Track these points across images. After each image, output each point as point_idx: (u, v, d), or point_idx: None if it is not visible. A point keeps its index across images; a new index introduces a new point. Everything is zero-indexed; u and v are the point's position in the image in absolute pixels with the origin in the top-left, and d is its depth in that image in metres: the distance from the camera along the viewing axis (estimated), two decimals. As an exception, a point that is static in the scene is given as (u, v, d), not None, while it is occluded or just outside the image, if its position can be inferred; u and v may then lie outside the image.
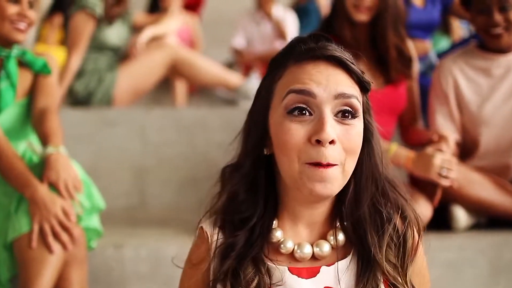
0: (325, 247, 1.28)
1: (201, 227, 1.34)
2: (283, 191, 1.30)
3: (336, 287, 1.26)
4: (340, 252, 1.29)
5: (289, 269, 1.27)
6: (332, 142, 1.19)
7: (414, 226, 1.31)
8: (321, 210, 1.30)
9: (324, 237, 1.30)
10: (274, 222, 1.30)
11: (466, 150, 2.73)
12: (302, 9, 5.74)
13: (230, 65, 5.21)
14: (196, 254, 1.34)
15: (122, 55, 3.77)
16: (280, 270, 1.26)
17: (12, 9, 2.31)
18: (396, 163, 2.51)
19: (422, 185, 2.54)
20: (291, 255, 1.29)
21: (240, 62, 5.08)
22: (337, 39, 2.61)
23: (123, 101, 3.65)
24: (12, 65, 2.37)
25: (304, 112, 1.22)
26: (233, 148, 2.34)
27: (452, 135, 2.59)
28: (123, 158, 3.31)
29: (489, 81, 2.68)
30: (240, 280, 1.24)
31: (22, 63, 2.41)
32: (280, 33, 4.99)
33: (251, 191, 1.31)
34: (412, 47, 2.78)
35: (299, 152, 1.21)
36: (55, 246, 2.07)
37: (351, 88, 1.24)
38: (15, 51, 2.38)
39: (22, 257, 2.08)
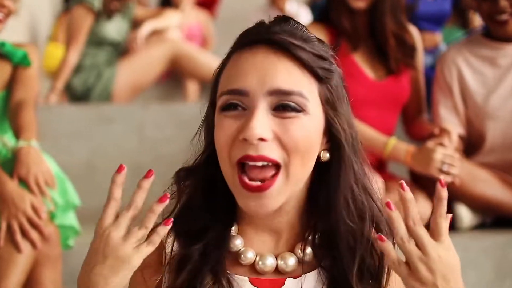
0: (290, 261, 1.13)
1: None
2: None
3: None
4: (307, 265, 1.13)
5: (249, 280, 1.13)
6: (263, 139, 1.04)
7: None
8: (284, 219, 1.14)
9: (291, 249, 1.15)
10: (234, 229, 1.16)
11: (471, 145, 2.58)
12: (319, 6, 5.62)
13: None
14: (147, 259, 1.21)
15: (122, 50, 3.68)
16: (241, 281, 1.12)
17: (-12, -1, 2.22)
18: (395, 158, 2.39)
19: (423, 182, 2.39)
20: (252, 266, 1.14)
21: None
22: (335, 29, 2.52)
23: (122, 97, 3.56)
24: (-11, 57, 2.28)
25: (237, 107, 1.07)
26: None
27: (455, 129, 2.43)
28: (120, 154, 3.21)
29: (495, 72, 2.52)
30: None
31: (1, 55, 2.32)
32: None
33: (208, 196, 1.17)
34: (418, 36, 2.63)
35: (230, 151, 1.07)
36: (24, 244, 1.98)
37: (293, 82, 1.07)
38: (-8, 42, 2.29)
39: (-11, 255, 1.98)
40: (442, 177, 2.18)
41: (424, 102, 2.69)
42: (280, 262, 1.12)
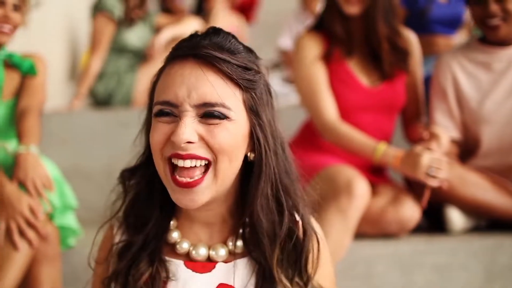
0: (221, 252, 1.27)
1: (111, 225, 1.36)
2: None
3: (230, 283, 1.25)
4: (238, 255, 1.28)
5: (184, 263, 1.27)
6: (190, 142, 1.17)
7: (314, 238, 1.29)
8: (216, 212, 1.28)
9: (223, 240, 1.29)
10: (172, 223, 1.30)
11: (468, 149, 2.61)
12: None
13: (276, 65, 5.19)
14: (102, 252, 1.36)
15: (143, 57, 3.79)
16: (175, 264, 1.26)
17: (-5, 13, 2.36)
18: (385, 163, 2.42)
19: (413, 186, 2.43)
20: (188, 255, 1.28)
21: (286, 62, 5.04)
22: (330, 35, 2.57)
23: (143, 102, 3.67)
24: (-2, 67, 2.42)
25: (169, 114, 1.20)
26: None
27: (446, 133, 2.45)
28: (135, 160, 3.31)
29: (489, 76, 2.54)
30: (131, 277, 1.24)
31: (11, 65, 2.46)
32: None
33: (148, 193, 1.31)
34: (414, 40, 2.66)
35: (161, 151, 1.21)
36: (21, 243, 2.10)
37: (217, 94, 1.19)
38: (2, 53, 2.43)
39: (-12, 253, 2.12)
40: (430, 181, 2.25)
41: (423, 106, 2.71)
42: (212, 252, 1.27)
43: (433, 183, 2.32)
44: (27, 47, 3.54)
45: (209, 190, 1.20)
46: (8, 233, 2.10)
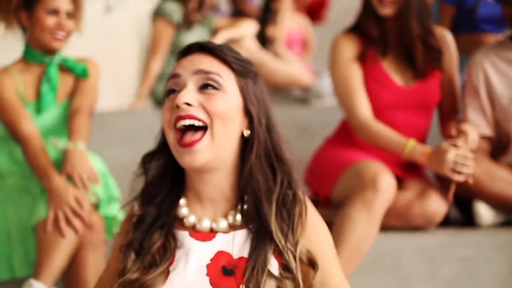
0: (222, 224, 1.45)
1: (133, 203, 1.54)
2: (187, 175, 1.48)
3: (228, 251, 1.42)
4: (237, 226, 1.45)
5: (189, 233, 1.45)
6: (189, 104, 1.39)
7: (302, 203, 1.45)
8: (219, 187, 1.46)
9: (225, 215, 1.46)
10: (182, 201, 1.49)
11: (500, 145, 2.66)
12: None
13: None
14: (123, 225, 1.56)
15: (202, 59, 3.97)
16: (182, 234, 1.45)
17: (50, 21, 2.58)
18: (414, 159, 2.50)
19: (441, 181, 2.51)
20: (193, 228, 1.47)
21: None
22: (365, 36, 2.68)
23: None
24: (53, 71, 2.64)
25: (174, 91, 1.43)
26: (296, 145, 2.50)
27: (474, 131, 2.51)
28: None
29: (520, 74, 2.59)
30: (145, 245, 1.44)
31: (65, 69, 2.69)
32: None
33: (162, 174, 1.51)
34: (449, 39, 2.73)
35: (169, 121, 1.41)
36: (67, 231, 2.31)
37: (212, 67, 1.42)
38: (57, 57, 2.65)
39: (39, 240, 2.34)
40: (455, 177, 2.33)
41: (459, 103, 2.77)
42: (214, 225, 1.45)
43: (459, 178, 2.39)
44: (100, 50, 3.79)
45: (207, 150, 1.40)
46: (56, 221, 2.32)
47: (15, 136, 2.52)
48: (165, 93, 1.45)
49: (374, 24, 2.67)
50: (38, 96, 2.63)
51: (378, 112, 2.66)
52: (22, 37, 2.69)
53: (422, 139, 2.70)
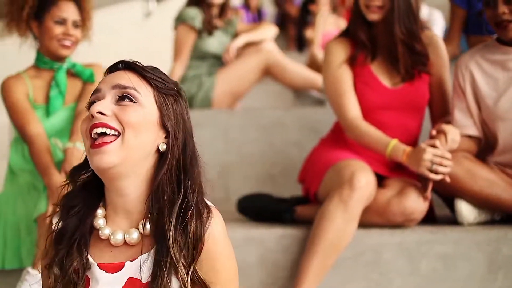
0: (134, 234, 1.49)
1: (51, 218, 1.59)
2: (105, 187, 1.54)
3: (137, 277, 1.47)
4: (145, 246, 1.49)
5: (98, 265, 1.50)
6: (103, 113, 1.45)
7: (203, 222, 1.49)
8: (133, 198, 1.51)
9: (136, 225, 1.51)
10: (101, 212, 1.54)
11: (487, 145, 2.71)
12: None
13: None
14: (45, 242, 1.59)
15: (223, 62, 4.13)
16: (93, 265, 1.50)
17: (58, 30, 2.79)
18: (395, 158, 2.59)
19: (419, 180, 2.59)
20: (108, 241, 1.52)
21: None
22: (355, 41, 2.78)
23: (221, 103, 4.00)
24: (61, 76, 2.85)
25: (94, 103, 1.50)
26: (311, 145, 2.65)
27: (454, 131, 2.57)
28: (209, 155, 3.64)
29: (505, 75, 2.64)
30: (65, 265, 1.49)
31: (74, 74, 2.89)
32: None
33: (82, 187, 1.57)
34: (440, 43, 2.80)
35: (86, 130, 1.48)
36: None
37: (130, 82, 1.49)
38: (66, 64, 2.86)
39: (39, 232, 2.53)
40: (432, 176, 2.42)
41: (449, 104, 2.83)
42: (127, 236, 1.50)
43: (435, 177, 2.48)
44: (139, 52, 3.98)
45: (116, 153, 1.44)
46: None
47: (23, 136, 2.73)
48: (87, 107, 1.50)
49: (363, 29, 2.78)
50: (48, 99, 2.84)
51: (367, 112, 2.75)
52: (35, 45, 2.91)
53: (413, 140, 2.78)
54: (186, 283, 1.45)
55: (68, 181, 1.59)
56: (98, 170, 1.47)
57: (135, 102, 1.47)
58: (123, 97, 1.47)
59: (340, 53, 2.81)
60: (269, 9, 7.41)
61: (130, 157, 1.47)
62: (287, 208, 2.83)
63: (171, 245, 1.44)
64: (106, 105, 1.46)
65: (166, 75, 1.57)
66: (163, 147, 1.51)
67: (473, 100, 2.69)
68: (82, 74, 2.88)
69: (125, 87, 1.48)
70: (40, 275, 2.38)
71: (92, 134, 1.45)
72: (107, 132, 1.44)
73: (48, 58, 2.85)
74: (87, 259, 1.49)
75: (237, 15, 4.43)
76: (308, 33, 6.26)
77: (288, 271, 2.61)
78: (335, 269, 2.54)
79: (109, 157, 1.44)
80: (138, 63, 1.53)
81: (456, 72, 2.73)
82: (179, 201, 1.48)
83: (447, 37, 3.58)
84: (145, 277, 1.46)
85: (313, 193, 2.73)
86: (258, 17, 6.68)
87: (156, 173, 1.49)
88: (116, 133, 1.45)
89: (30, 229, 2.68)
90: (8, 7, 2.88)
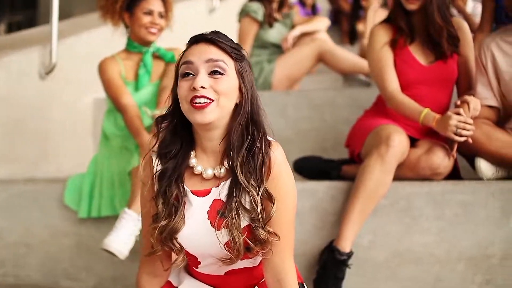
0: (222, 169, 1.88)
1: (151, 154, 1.93)
2: (195, 132, 1.89)
3: (220, 198, 1.87)
4: (226, 176, 1.88)
5: (191, 192, 1.89)
6: (203, 87, 1.78)
7: (271, 158, 1.85)
8: (217, 143, 1.87)
9: (220, 162, 1.89)
10: (192, 153, 1.90)
11: (506, 114, 3.19)
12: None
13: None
14: (145, 175, 1.95)
15: (282, 50, 4.67)
16: (187, 191, 1.89)
17: (146, 19, 3.39)
18: (426, 123, 3.08)
19: (446, 141, 3.09)
20: (201, 175, 1.90)
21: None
22: (396, 27, 3.29)
23: (280, 87, 4.53)
24: (148, 58, 3.44)
25: (189, 74, 1.83)
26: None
27: (476, 101, 3.04)
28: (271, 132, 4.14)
29: (520, 54, 3.12)
30: (168, 195, 1.86)
31: (158, 56, 3.48)
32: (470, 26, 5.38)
33: (174, 134, 1.91)
34: (466, 28, 3.29)
35: (186, 96, 1.81)
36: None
37: (218, 56, 1.82)
38: (151, 47, 3.45)
39: (133, 181, 3.11)
40: (456, 138, 2.91)
41: (473, 80, 3.31)
42: (216, 171, 1.89)
43: (459, 139, 2.96)
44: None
45: (213, 113, 1.79)
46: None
47: (118, 106, 3.33)
48: (181, 75, 1.81)
49: (403, 17, 3.29)
50: (137, 77, 3.44)
51: (406, 87, 3.26)
52: (126, 32, 3.51)
53: (443, 110, 3.26)
54: (256, 200, 1.82)
55: (154, 134, 1.94)
56: (199, 125, 1.82)
57: (223, 74, 1.81)
58: (215, 71, 1.80)
59: (383, 36, 3.32)
60: (323, 5, 7.85)
61: (222, 114, 1.83)
62: (335, 166, 3.36)
63: (239, 174, 1.83)
64: (204, 79, 1.79)
65: (231, 39, 1.88)
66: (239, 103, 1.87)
67: (493, 75, 3.17)
68: (165, 56, 3.47)
69: (216, 60, 1.81)
70: (134, 214, 2.98)
71: (193, 101, 1.79)
72: (206, 101, 1.80)
73: (137, 43, 3.45)
74: (184, 188, 1.87)
75: (294, 10, 4.97)
76: (360, 26, 6.66)
77: (335, 216, 3.12)
78: (374, 214, 3.03)
79: (208, 115, 1.79)
80: (217, 37, 1.85)
81: (480, 52, 3.22)
82: (248, 141, 1.84)
83: (479, 26, 3.95)
84: (224, 197, 1.86)
85: (356, 154, 3.25)
86: (312, 13, 7.10)
87: (233, 123, 1.85)
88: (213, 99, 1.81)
89: (123, 182, 3.26)
90: (103, 1, 3.49)
